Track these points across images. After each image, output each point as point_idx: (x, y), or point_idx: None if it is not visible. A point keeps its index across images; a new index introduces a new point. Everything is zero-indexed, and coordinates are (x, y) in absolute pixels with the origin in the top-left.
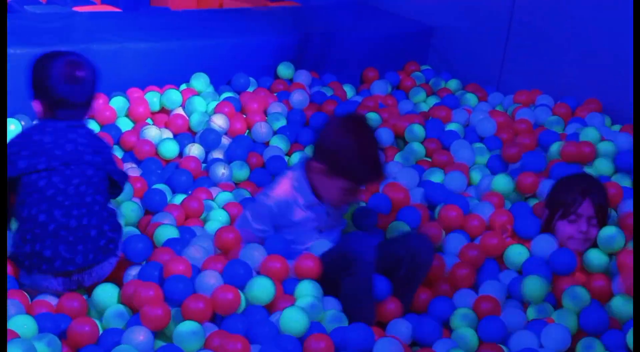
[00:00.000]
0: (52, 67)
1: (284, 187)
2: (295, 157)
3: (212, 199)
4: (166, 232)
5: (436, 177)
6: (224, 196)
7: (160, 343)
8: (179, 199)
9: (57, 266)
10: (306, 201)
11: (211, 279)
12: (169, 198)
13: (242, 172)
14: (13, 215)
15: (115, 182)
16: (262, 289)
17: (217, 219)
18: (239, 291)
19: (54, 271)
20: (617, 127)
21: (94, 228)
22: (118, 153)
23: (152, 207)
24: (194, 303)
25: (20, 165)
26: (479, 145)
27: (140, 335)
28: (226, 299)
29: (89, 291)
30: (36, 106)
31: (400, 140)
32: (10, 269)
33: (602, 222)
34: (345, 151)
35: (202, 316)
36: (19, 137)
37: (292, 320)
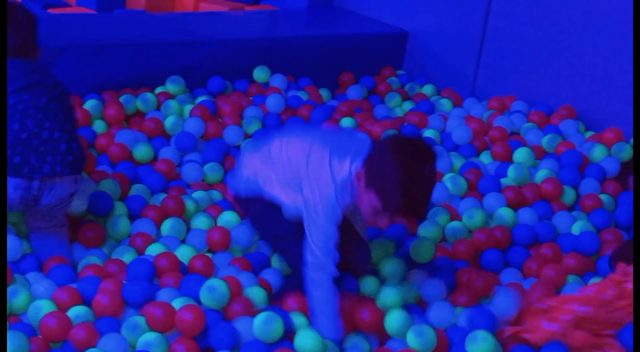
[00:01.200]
0: None
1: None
2: None
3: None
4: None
5: None
6: (198, 195)
7: None
8: (155, 201)
9: (25, 172)
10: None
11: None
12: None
13: (215, 175)
14: None
15: None
16: (216, 294)
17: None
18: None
19: (20, 176)
20: (589, 134)
21: (64, 143)
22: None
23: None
24: (156, 311)
25: None
26: (453, 153)
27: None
28: (188, 320)
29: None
30: None
31: None
32: None
33: None
34: (389, 174)
35: (164, 326)
36: None
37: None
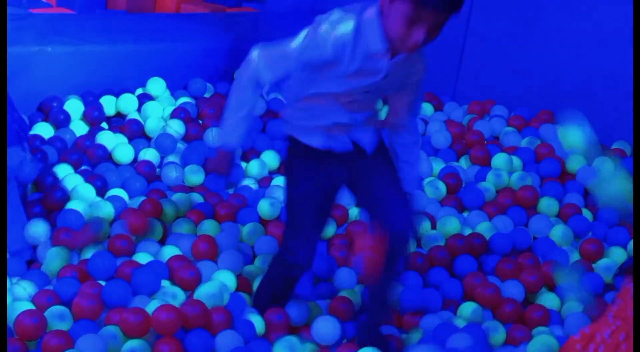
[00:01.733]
0: None
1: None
2: (253, 164)
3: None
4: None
5: None
6: (178, 197)
7: None
8: (133, 204)
9: None
10: (368, 50)
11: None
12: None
13: (196, 177)
14: None
15: None
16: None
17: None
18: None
19: None
20: None
21: (6, 113)
22: (73, 157)
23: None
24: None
25: None
26: (432, 157)
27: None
28: (164, 320)
29: None
30: None
31: None
32: None
33: None
34: None
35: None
36: None
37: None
